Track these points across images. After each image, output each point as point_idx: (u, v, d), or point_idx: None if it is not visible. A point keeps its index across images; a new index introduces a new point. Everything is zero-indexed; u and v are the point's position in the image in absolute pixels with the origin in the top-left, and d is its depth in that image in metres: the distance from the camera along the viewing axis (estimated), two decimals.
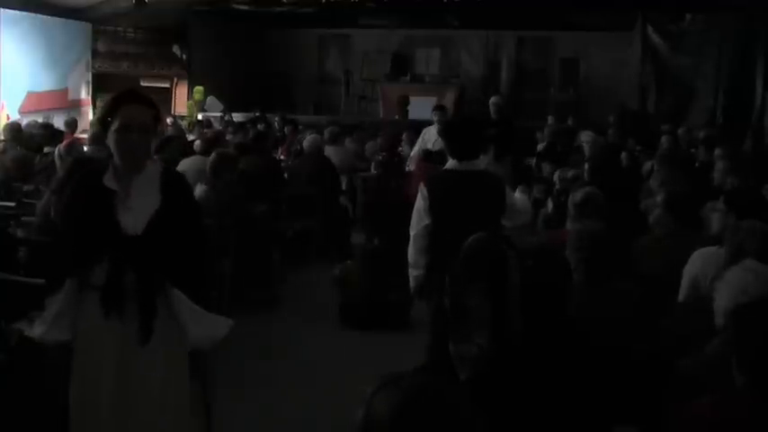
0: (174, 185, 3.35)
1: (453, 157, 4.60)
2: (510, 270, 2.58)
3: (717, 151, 8.25)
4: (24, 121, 11.15)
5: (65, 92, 14.22)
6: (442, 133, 4.88)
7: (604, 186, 5.69)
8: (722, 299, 3.10)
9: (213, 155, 7.18)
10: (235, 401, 5.11)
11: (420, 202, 4.54)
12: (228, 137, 10.75)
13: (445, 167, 4.72)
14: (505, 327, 2.48)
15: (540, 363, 2.54)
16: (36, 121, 11.15)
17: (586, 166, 6.95)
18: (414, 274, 4.63)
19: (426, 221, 4.50)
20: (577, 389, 2.55)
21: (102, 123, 3.30)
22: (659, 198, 5.17)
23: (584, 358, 2.69)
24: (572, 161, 9.33)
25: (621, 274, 3.93)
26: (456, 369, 2.52)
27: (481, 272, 2.56)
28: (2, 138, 9.73)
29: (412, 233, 4.60)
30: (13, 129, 9.71)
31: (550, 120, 15.15)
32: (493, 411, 2.38)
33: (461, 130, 4.69)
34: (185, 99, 16.63)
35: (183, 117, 14.69)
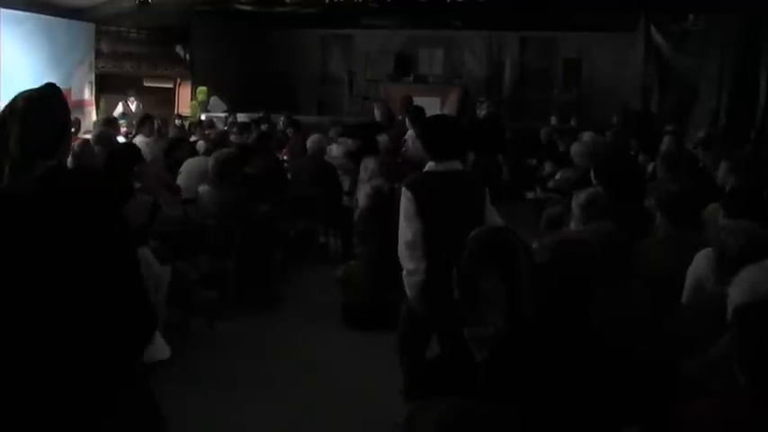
0: None
1: (432, 159, 4.44)
2: (520, 253, 2.60)
3: (716, 151, 8.25)
4: None
5: (68, 92, 14.18)
6: (420, 134, 4.62)
7: (609, 187, 5.70)
8: (735, 295, 3.10)
9: (217, 155, 7.19)
10: (237, 401, 5.12)
11: (408, 207, 4.35)
12: (232, 137, 10.75)
13: (425, 170, 4.55)
14: (519, 307, 2.50)
15: (554, 350, 2.55)
16: None
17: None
18: (415, 279, 4.38)
19: (418, 226, 4.32)
20: (589, 384, 2.56)
21: None
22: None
23: (597, 356, 2.70)
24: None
25: (627, 275, 3.93)
26: (472, 352, 2.52)
27: (492, 255, 2.57)
28: None
29: (404, 240, 4.37)
30: None
31: (553, 120, 15.19)
32: (510, 390, 2.41)
33: (440, 130, 4.54)
34: (188, 99, 16.65)
35: (186, 117, 14.70)
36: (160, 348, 3.22)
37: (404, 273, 4.41)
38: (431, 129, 4.59)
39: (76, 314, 2.50)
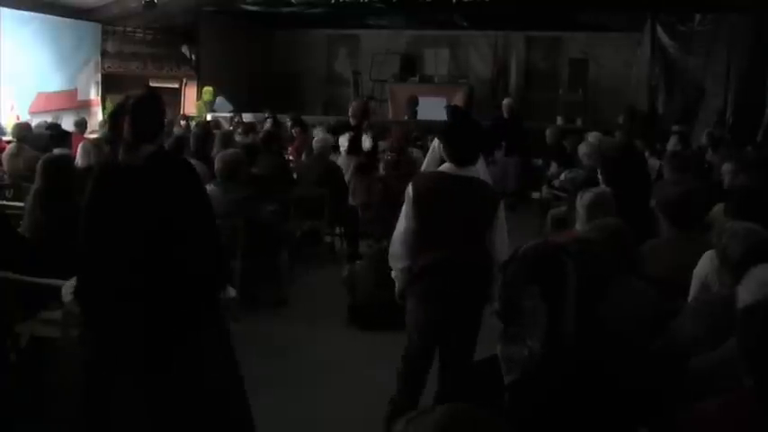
0: None
1: (452, 161, 4.36)
2: (568, 275, 2.55)
3: (723, 151, 8.22)
4: (34, 122, 11.20)
5: (74, 92, 14.27)
6: (444, 136, 4.52)
7: (616, 185, 5.70)
8: (744, 294, 3.09)
9: (223, 155, 7.19)
10: None
11: (407, 203, 4.36)
12: (238, 137, 10.75)
13: (440, 169, 4.51)
14: (559, 330, 2.46)
15: (584, 364, 2.53)
16: (45, 122, 11.20)
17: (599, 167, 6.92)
18: (395, 275, 4.46)
19: (411, 222, 4.31)
20: (614, 391, 2.56)
21: None
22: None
23: (618, 359, 2.69)
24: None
25: (633, 273, 3.92)
26: (502, 371, 2.49)
27: (538, 274, 2.53)
28: (12, 138, 9.76)
29: (396, 233, 4.41)
30: (21, 129, 9.73)
31: (559, 120, 15.17)
32: (535, 414, 2.39)
33: (466, 134, 4.47)
34: (194, 99, 16.66)
35: (192, 118, 14.71)
36: (231, 290, 4.11)
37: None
38: (459, 133, 4.52)
39: (172, 253, 3.46)
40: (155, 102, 3.73)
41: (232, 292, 4.11)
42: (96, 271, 3.51)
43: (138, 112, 3.52)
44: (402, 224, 4.37)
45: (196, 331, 3.60)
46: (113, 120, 3.58)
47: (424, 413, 1.63)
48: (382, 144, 11.43)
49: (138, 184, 3.47)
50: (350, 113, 10.62)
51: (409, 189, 4.38)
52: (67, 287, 4.10)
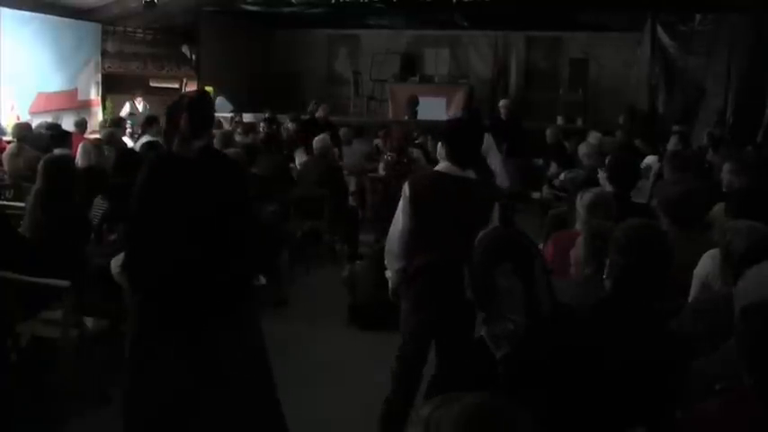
0: None
1: (452, 162, 4.34)
2: (535, 257, 2.63)
3: (723, 151, 8.22)
4: (35, 122, 11.19)
5: (74, 92, 14.26)
6: (445, 137, 4.47)
7: (619, 184, 5.69)
8: (742, 295, 3.09)
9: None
10: None
11: (403, 202, 4.34)
12: (238, 137, 10.76)
13: (436, 169, 4.49)
14: (536, 303, 2.54)
15: (612, 331, 2.64)
16: (45, 122, 11.19)
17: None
18: (389, 275, 4.47)
19: (407, 221, 4.30)
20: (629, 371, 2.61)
21: None
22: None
23: (655, 342, 2.76)
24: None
25: None
26: (491, 349, 2.57)
27: (508, 254, 2.61)
28: (13, 138, 9.76)
29: (391, 232, 4.41)
30: (21, 129, 9.73)
31: (560, 120, 15.17)
32: (531, 381, 2.44)
33: (469, 135, 4.48)
34: None
35: None
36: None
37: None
38: (462, 133, 4.50)
39: (218, 235, 3.74)
40: (207, 100, 4.21)
41: (262, 279, 4.67)
42: (146, 247, 3.81)
43: (194, 109, 3.85)
44: (399, 222, 4.35)
45: (235, 313, 3.88)
46: (170, 115, 3.96)
47: (452, 400, 1.63)
48: (377, 140, 11.49)
49: (191, 173, 3.80)
50: (318, 114, 10.81)
51: (406, 187, 4.36)
52: (116, 260, 4.42)
